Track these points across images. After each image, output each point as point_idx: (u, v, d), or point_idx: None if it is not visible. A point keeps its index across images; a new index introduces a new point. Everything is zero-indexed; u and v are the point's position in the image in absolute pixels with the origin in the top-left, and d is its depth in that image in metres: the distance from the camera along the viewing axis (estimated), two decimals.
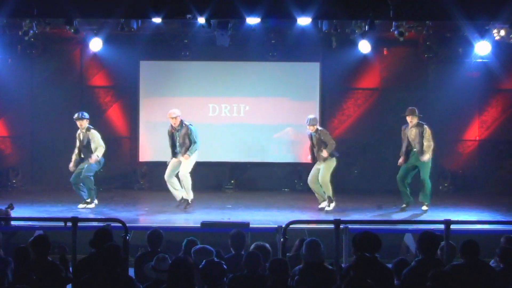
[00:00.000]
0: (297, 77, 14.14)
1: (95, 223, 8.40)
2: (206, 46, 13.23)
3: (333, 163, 10.99)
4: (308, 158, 11.35)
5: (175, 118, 10.94)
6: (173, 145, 11.03)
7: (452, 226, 6.95)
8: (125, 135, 14.35)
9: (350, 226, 7.96)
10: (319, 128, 11.13)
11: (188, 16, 10.07)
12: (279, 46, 13.67)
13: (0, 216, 9.31)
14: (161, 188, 12.03)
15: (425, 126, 10.89)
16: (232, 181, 14.10)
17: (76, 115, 11.09)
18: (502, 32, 11.70)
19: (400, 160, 11.07)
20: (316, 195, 11.17)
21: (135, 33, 12.49)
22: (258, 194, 13.39)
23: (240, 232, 7.18)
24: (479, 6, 9.98)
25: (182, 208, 10.98)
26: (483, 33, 11.73)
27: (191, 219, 10.32)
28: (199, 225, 9.06)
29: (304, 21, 10.81)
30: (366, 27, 11.02)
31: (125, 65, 13.80)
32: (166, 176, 11.11)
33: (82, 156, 11.12)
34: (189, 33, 13.04)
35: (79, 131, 11.15)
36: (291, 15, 10.14)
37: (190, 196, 11.02)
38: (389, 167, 12.43)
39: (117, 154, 13.88)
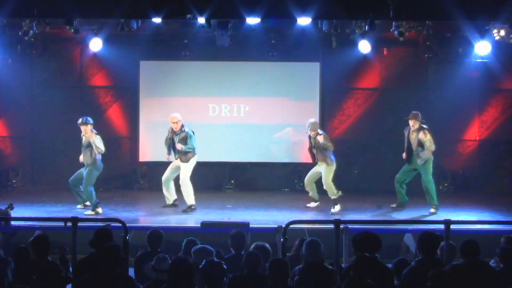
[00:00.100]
0: (297, 77, 14.13)
1: (95, 223, 8.39)
2: (206, 46, 13.23)
3: (333, 166, 11.06)
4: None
5: (177, 122, 10.93)
6: (171, 148, 11.02)
7: (452, 226, 6.95)
8: (125, 135, 14.35)
9: (350, 226, 7.97)
10: (320, 131, 11.14)
11: (188, 16, 10.06)
12: (279, 46, 13.67)
13: (0, 216, 9.31)
14: (161, 188, 12.03)
15: (426, 131, 10.88)
16: (232, 181, 14.10)
17: (80, 120, 10.87)
18: (502, 32, 11.70)
19: (404, 155, 11.11)
20: (310, 193, 11.30)
21: (135, 33, 12.49)
22: (258, 194, 13.39)
23: (240, 232, 7.18)
24: (479, 6, 9.98)
25: (176, 209, 11.02)
26: (483, 33, 11.73)
27: (191, 219, 10.33)
28: (199, 225, 9.07)
29: (304, 21, 10.81)
30: (366, 27, 11.02)
31: (125, 65, 13.79)
32: (163, 178, 11.12)
33: (81, 160, 10.98)
34: (189, 33, 13.04)
35: (82, 134, 11.06)
36: (291, 15, 10.14)
37: (190, 201, 10.99)
38: (389, 167, 12.44)
39: (117, 154, 13.88)
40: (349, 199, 11.84)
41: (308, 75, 14.14)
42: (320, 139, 10.92)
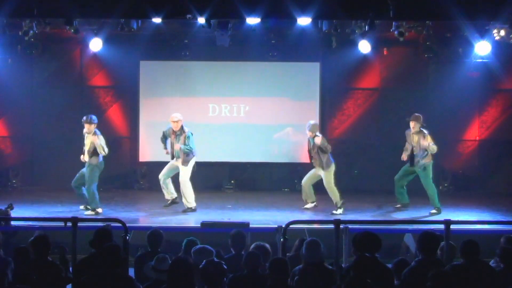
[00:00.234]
0: (297, 77, 14.13)
1: (95, 223, 8.39)
2: (206, 46, 13.23)
3: (332, 168, 11.04)
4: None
5: (177, 122, 10.93)
6: (172, 148, 11.01)
7: (452, 226, 6.95)
8: (125, 135, 14.35)
9: (350, 226, 7.98)
10: (317, 134, 11.14)
11: (188, 16, 10.06)
12: (279, 46, 13.66)
13: (0, 216, 9.31)
14: (161, 188, 12.04)
15: (427, 135, 10.87)
16: (232, 181, 14.10)
17: (85, 118, 10.79)
18: (502, 32, 11.69)
19: (403, 155, 11.11)
20: (305, 197, 11.28)
21: (135, 33, 12.48)
22: (258, 194, 13.39)
23: (240, 232, 7.18)
24: (479, 6, 9.98)
25: (176, 209, 11.02)
26: (483, 33, 11.72)
27: (191, 219, 10.33)
28: (199, 225, 9.07)
29: (304, 21, 10.81)
30: (366, 27, 11.02)
31: (125, 65, 13.80)
32: (160, 176, 11.11)
33: (84, 159, 10.89)
34: (189, 33, 13.03)
35: (84, 132, 11.04)
36: (291, 15, 10.14)
37: (190, 204, 10.98)
38: (389, 167, 12.43)
39: (117, 154, 13.87)
40: (349, 199, 11.83)
41: (308, 75, 14.14)
42: (317, 140, 10.91)
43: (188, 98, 13.78)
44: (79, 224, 7.02)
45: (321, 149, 10.94)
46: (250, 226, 8.85)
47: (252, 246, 6.64)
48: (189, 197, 10.96)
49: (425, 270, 5.51)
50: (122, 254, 6.01)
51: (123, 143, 14.34)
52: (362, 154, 14.17)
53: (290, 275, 5.98)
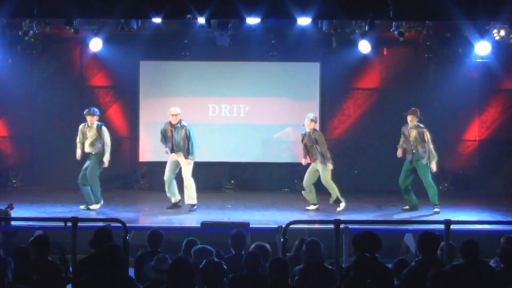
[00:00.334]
0: (297, 77, 14.13)
1: (95, 223, 8.39)
2: (206, 46, 13.23)
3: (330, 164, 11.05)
4: (304, 162, 11.37)
5: (176, 115, 10.97)
6: (172, 142, 11.02)
7: (452, 226, 6.95)
8: (125, 135, 14.34)
9: (350, 226, 7.97)
10: (316, 129, 11.17)
11: (188, 16, 10.06)
12: (279, 46, 13.66)
13: (0, 216, 9.31)
14: (161, 188, 12.01)
15: (425, 130, 10.92)
16: (232, 181, 14.10)
17: (87, 110, 11.04)
18: (502, 32, 11.70)
19: (398, 152, 11.15)
20: (307, 196, 11.24)
21: (135, 33, 12.48)
22: (258, 194, 13.39)
23: (240, 232, 7.18)
24: (479, 6, 9.98)
25: (177, 210, 11.03)
26: (483, 33, 11.72)
27: (191, 219, 10.32)
28: (199, 225, 9.06)
29: (304, 21, 10.81)
30: (366, 27, 11.02)
31: (125, 65, 13.79)
32: (166, 178, 11.11)
33: (86, 151, 11.03)
34: (189, 33, 13.03)
35: (84, 126, 11.07)
36: (291, 15, 10.14)
37: (194, 200, 11.03)
38: (389, 167, 12.44)
39: (117, 154, 13.84)
40: (349, 199, 11.82)
41: (308, 75, 14.14)
42: (317, 135, 10.97)
43: (188, 98, 13.78)
44: (79, 224, 7.03)
45: (317, 142, 10.95)
46: (250, 226, 8.84)
47: (252, 246, 6.63)
48: (193, 194, 10.99)
49: (425, 270, 5.51)
50: (122, 254, 6.01)
51: (123, 143, 14.33)
52: (362, 154, 14.17)
53: (290, 275, 5.98)
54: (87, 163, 11.03)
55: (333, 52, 13.45)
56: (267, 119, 14.04)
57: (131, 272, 6.72)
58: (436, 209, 10.92)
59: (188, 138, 10.94)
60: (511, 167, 14.07)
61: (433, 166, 10.92)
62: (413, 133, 10.95)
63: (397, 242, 9.48)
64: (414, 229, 9.10)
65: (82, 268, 6.45)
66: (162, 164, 11.52)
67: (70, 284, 6.43)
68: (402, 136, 11.19)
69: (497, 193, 13.31)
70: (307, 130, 11.12)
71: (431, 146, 10.89)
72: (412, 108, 11.10)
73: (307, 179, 11.20)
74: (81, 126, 11.12)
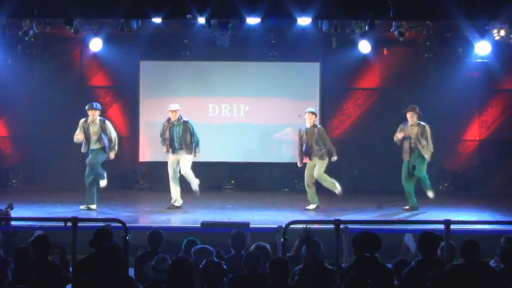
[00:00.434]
0: (297, 77, 14.14)
1: (95, 223, 8.38)
2: (206, 46, 13.24)
3: (326, 160, 11.15)
4: (300, 164, 11.41)
5: (175, 112, 11.00)
6: (171, 140, 11.03)
7: (452, 226, 6.94)
8: (125, 135, 14.33)
9: (350, 226, 7.96)
10: (319, 125, 11.21)
11: (188, 16, 10.06)
12: (279, 46, 13.67)
13: (0, 216, 9.31)
14: (161, 188, 12.05)
15: (426, 126, 11.02)
16: (232, 181, 14.11)
17: (89, 105, 11.03)
18: (502, 32, 11.71)
19: (406, 156, 11.17)
20: (308, 196, 11.24)
21: (135, 33, 12.49)
22: (258, 194, 13.39)
23: (240, 232, 7.17)
24: (479, 6, 9.98)
25: (177, 210, 11.08)
26: (483, 33, 11.73)
27: (191, 219, 10.32)
28: (199, 225, 9.06)
29: (304, 21, 10.82)
30: (366, 27, 11.03)
31: (125, 65, 13.80)
32: (171, 177, 11.13)
33: (91, 148, 11.03)
34: (189, 33, 13.04)
35: (84, 122, 11.04)
36: (291, 15, 10.14)
37: (197, 181, 11.16)
38: (389, 167, 12.45)
39: (117, 154, 13.87)
40: (349, 199, 11.85)
41: (308, 75, 14.15)
42: (321, 131, 11.14)
43: (188, 98, 13.77)
44: (79, 224, 7.02)
45: (320, 137, 11.07)
46: (250, 226, 8.84)
47: (253, 246, 6.63)
48: (193, 178, 11.11)
49: (425, 270, 5.50)
50: (122, 254, 6.01)
51: (123, 143, 14.28)
52: (362, 154, 14.17)
53: (290, 275, 5.98)
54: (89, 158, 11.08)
55: (333, 52, 13.45)
56: (267, 119, 14.05)
57: (131, 272, 6.72)
58: (430, 194, 11.13)
59: (192, 133, 11.02)
60: (511, 167, 14.06)
61: (428, 156, 11.00)
62: (414, 130, 11.01)
63: (397, 242, 9.47)
64: (414, 229, 9.09)
65: (82, 268, 6.44)
66: (162, 164, 11.53)
67: (70, 284, 6.43)
68: (399, 130, 11.18)
69: (497, 193, 13.31)
70: (307, 125, 11.14)
71: (431, 142, 10.98)
72: (411, 105, 11.16)
73: (309, 176, 11.20)
74: (81, 121, 11.07)
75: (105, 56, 13.39)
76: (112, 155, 11.11)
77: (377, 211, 11.28)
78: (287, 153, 14.09)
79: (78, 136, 11.02)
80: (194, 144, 11.07)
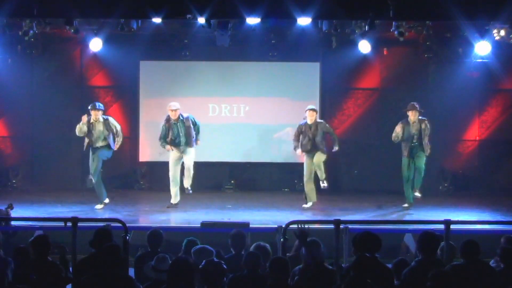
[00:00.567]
0: (297, 77, 14.13)
1: (95, 223, 8.38)
2: (206, 46, 13.24)
3: (326, 154, 11.29)
4: (299, 152, 11.43)
5: (175, 110, 11.05)
6: (176, 138, 11.07)
7: (452, 226, 6.95)
8: (125, 135, 14.19)
9: (350, 226, 7.97)
10: (319, 120, 11.36)
11: (188, 16, 10.06)
12: (279, 46, 13.66)
13: (0, 216, 9.31)
14: (161, 188, 12.04)
15: (426, 122, 11.17)
16: (232, 181, 14.10)
17: (92, 105, 11.17)
18: (502, 32, 11.70)
19: (405, 152, 11.24)
20: (310, 192, 11.27)
21: (135, 33, 12.48)
22: (258, 194, 13.39)
23: (240, 232, 7.17)
24: (479, 6, 9.98)
25: (177, 209, 11.12)
26: (483, 33, 11.72)
27: (191, 219, 10.32)
28: (199, 225, 9.06)
29: (304, 21, 10.81)
30: (366, 27, 11.03)
31: (125, 65, 13.80)
32: (172, 175, 11.18)
33: (96, 146, 11.15)
34: (189, 33, 13.03)
35: (88, 121, 11.10)
36: (291, 15, 10.14)
37: (190, 182, 11.26)
38: (389, 167, 12.45)
39: (117, 154, 13.85)
40: (349, 199, 11.86)
41: (308, 75, 14.14)
42: (326, 125, 11.36)
43: (188, 98, 13.76)
44: (79, 224, 7.02)
45: (327, 131, 11.28)
46: (250, 226, 8.84)
47: (252, 246, 6.63)
48: (191, 177, 11.22)
49: (425, 270, 5.51)
50: (122, 254, 6.01)
51: (123, 143, 14.28)
52: (362, 154, 14.16)
53: (290, 275, 5.98)
54: (92, 159, 11.17)
55: (333, 52, 13.45)
56: (267, 119, 14.05)
57: (131, 272, 6.72)
58: (418, 194, 11.28)
59: (194, 125, 11.21)
60: (511, 167, 14.06)
61: (429, 150, 11.18)
62: (417, 126, 11.08)
63: (397, 242, 9.48)
64: (414, 229, 9.09)
65: (82, 268, 6.44)
66: (162, 164, 11.53)
67: (70, 284, 6.42)
68: (399, 126, 11.22)
69: (497, 193, 13.31)
70: (309, 122, 11.17)
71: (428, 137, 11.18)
72: (411, 103, 11.26)
73: (310, 171, 11.23)
74: (85, 118, 11.14)
75: (105, 56, 13.39)
76: (116, 146, 11.32)
77: (377, 211, 11.28)
78: (287, 153, 14.06)
79: (82, 128, 11.04)
80: (195, 133, 11.21)
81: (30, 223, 9.28)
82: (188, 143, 11.13)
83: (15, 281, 5.87)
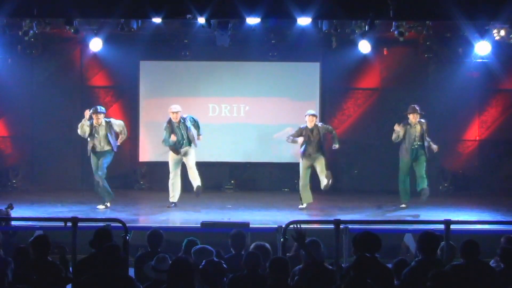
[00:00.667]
0: (297, 77, 14.13)
1: (95, 223, 8.38)
2: (206, 46, 13.23)
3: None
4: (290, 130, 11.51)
5: (176, 113, 11.07)
6: (178, 140, 11.10)
7: (452, 226, 6.94)
8: None
9: (350, 226, 7.96)
10: (319, 123, 11.39)
11: (188, 16, 10.07)
12: (279, 46, 13.66)
13: (0, 216, 9.31)
14: (161, 188, 12.04)
15: (426, 122, 11.27)
16: (232, 181, 14.10)
17: (93, 109, 11.20)
18: (502, 32, 11.70)
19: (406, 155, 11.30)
20: (305, 195, 11.29)
21: (135, 33, 12.47)
22: (258, 194, 13.39)
23: (240, 232, 7.18)
24: (479, 6, 9.98)
25: (177, 209, 11.12)
26: (483, 33, 11.73)
27: (191, 219, 10.32)
28: (199, 225, 9.06)
29: (304, 21, 10.82)
30: (366, 27, 11.03)
31: (125, 65, 13.80)
32: (176, 178, 11.25)
33: (101, 150, 11.23)
34: (189, 33, 13.03)
35: (91, 124, 11.16)
36: (291, 15, 10.14)
37: (199, 182, 11.33)
38: (389, 167, 12.43)
39: (117, 154, 13.84)
40: (349, 199, 11.85)
41: (308, 75, 14.14)
42: (328, 127, 11.40)
43: (188, 98, 13.77)
44: (79, 224, 7.02)
45: (329, 132, 11.31)
46: (250, 226, 8.83)
47: (252, 246, 6.63)
48: (197, 178, 11.31)
49: (425, 270, 5.50)
50: (122, 254, 6.01)
51: (123, 143, 14.29)
52: (362, 154, 14.16)
53: (290, 275, 5.98)
54: (94, 160, 11.26)
55: (333, 52, 13.45)
56: (267, 119, 14.05)
57: (131, 272, 6.72)
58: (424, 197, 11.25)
59: (195, 124, 11.32)
60: (511, 167, 14.06)
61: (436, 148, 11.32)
62: (418, 128, 11.11)
63: (397, 242, 9.48)
64: (414, 229, 9.09)
65: (82, 268, 6.44)
66: (162, 164, 11.52)
67: (70, 284, 6.42)
68: (400, 126, 11.25)
69: (497, 193, 13.31)
70: (309, 126, 11.17)
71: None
72: (411, 106, 11.28)
73: (306, 176, 11.25)
74: (87, 114, 11.19)
75: (105, 56, 13.39)
76: (119, 142, 11.44)
77: (377, 211, 11.28)
78: (287, 153, 14.05)
79: (85, 128, 11.08)
80: (196, 130, 11.29)
81: (30, 223, 9.28)
82: (191, 143, 11.19)
83: (15, 281, 5.88)
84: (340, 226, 6.94)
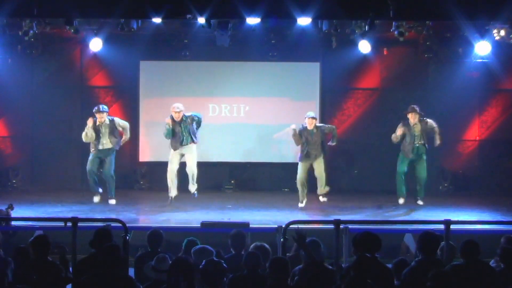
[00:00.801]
0: (297, 77, 14.13)
1: (95, 223, 8.38)
2: (206, 46, 13.23)
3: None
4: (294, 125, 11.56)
5: (179, 112, 11.08)
6: (180, 138, 11.12)
7: (452, 226, 6.95)
8: None
9: (350, 226, 7.96)
10: (318, 125, 11.42)
11: (188, 16, 10.06)
12: (279, 46, 13.66)
13: (0, 216, 9.31)
14: (161, 188, 12.04)
15: (430, 121, 11.42)
16: (232, 181, 14.10)
17: (96, 108, 11.41)
18: (502, 32, 11.70)
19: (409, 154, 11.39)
20: (303, 193, 11.38)
21: (135, 33, 12.47)
22: (258, 194, 13.39)
23: (240, 232, 7.18)
24: (479, 6, 9.98)
25: (177, 209, 11.13)
26: (483, 33, 11.73)
27: (191, 219, 10.32)
28: (199, 225, 9.06)
29: (304, 21, 10.82)
30: (366, 27, 11.03)
31: (125, 65, 13.80)
32: (172, 170, 11.24)
33: (106, 147, 11.37)
34: (189, 33, 13.03)
35: (94, 122, 11.25)
36: (291, 15, 10.14)
37: (195, 187, 11.42)
38: (389, 167, 12.43)
39: (117, 154, 13.84)
40: (349, 199, 11.84)
41: (308, 75, 14.14)
42: (328, 127, 11.42)
43: (188, 98, 13.74)
44: (79, 224, 7.02)
45: (329, 132, 11.37)
46: (250, 226, 8.82)
47: (252, 246, 6.63)
48: (195, 180, 11.40)
49: (425, 270, 5.51)
50: (122, 254, 6.01)
51: (123, 143, 14.32)
52: (362, 154, 14.17)
53: (290, 275, 5.98)
54: (95, 157, 11.38)
55: (333, 52, 13.44)
56: (267, 119, 14.05)
57: (131, 272, 6.72)
58: (420, 202, 11.43)
59: (197, 121, 11.32)
60: (511, 167, 14.05)
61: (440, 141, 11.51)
62: (418, 127, 11.17)
63: (397, 242, 9.48)
64: (414, 229, 9.08)
65: (82, 268, 6.44)
66: (162, 164, 11.52)
67: (70, 284, 6.43)
68: (399, 127, 11.25)
69: (497, 193, 13.31)
70: (309, 128, 11.18)
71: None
72: (411, 106, 11.34)
73: (304, 177, 11.27)
74: (91, 122, 11.26)
75: (105, 56, 13.39)
76: (122, 142, 11.63)
77: (377, 211, 11.29)
78: (287, 153, 14.07)
79: (90, 135, 11.15)
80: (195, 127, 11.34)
81: (30, 223, 9.28)
82: (192, 140, 11.24)
83: (15, 281, 5.88)
84: (340, 226, 6.93)
